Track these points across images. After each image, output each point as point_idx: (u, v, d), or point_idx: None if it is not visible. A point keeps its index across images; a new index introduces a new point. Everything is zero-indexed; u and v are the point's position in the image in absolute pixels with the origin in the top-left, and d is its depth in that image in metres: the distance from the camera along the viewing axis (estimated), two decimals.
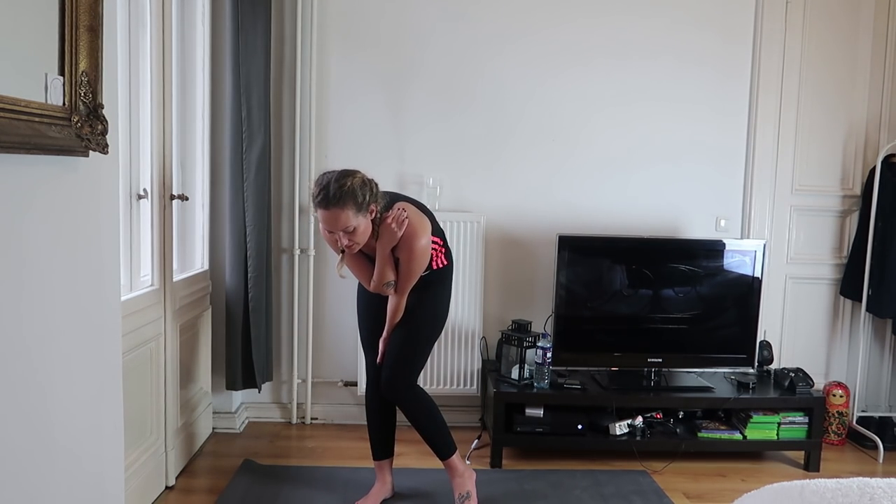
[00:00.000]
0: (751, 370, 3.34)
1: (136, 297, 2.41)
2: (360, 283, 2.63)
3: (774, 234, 3.58)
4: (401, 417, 2.63)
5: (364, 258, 2.52)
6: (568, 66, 3.44)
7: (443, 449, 2.59)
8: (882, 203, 3.35)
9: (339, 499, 2.67)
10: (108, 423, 1.83)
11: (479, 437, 3.26)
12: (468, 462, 3.07)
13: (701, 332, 3.27)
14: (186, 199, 2.86)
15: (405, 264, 2.41)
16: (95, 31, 1.56)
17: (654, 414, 3.22)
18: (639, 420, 3.14)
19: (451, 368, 3.39)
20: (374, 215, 2.35)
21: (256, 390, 3.31)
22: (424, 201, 2.87)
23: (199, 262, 3.16)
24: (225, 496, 2.64)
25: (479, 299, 3.38)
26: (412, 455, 3.04)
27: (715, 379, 3.33)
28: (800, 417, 3.14)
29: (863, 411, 3.56)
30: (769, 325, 3.52)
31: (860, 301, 3.46)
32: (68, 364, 1.62)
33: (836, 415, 3.44)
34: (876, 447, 3.29)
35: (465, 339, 3.39)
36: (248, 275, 3.12)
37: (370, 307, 2.63)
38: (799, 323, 3.64)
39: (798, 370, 3.24)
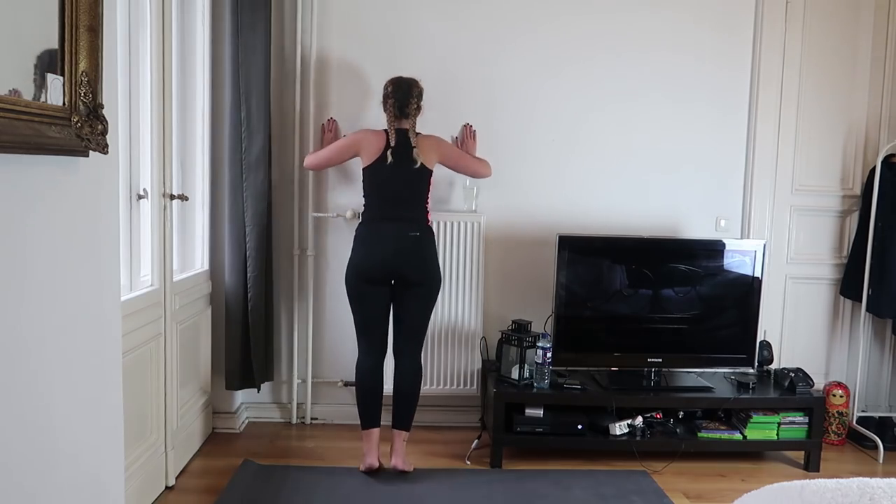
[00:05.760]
0: (751, 370, 3.34)
1: (136, 297, 2.41)
2: (349, 270, 2.86)
3: (774, 234, 3.58)
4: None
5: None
6: (567, 67, 3.44)
7: (410, 422, 2.94)
8: (882, 203, 3.35)
9: (339, 499, 2.67)
10: (108, 423, 1.83)
11: (479, 437, 3.26)
12: (468, 462, 3.07)
13: (701, 332, 3.27)
14: (186, 199, 2.86)
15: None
16: (95, 31, 1.56)
17: (654, 414, 3.22)
18: (639, 420, 3.14)
19: (451, 368, 3.39)
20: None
21: (256, 390, 3.32)
22: (427, 201, 2.92)
23: (199, 262, 3.16)
24: (225, 496, 2.64)
25: (480, 299, 3.38)
26: (412, 455, 3.04)
27: (715, 379, 3.33)
28: (800, 417, 3.14)
29: (863, 411, 3.56)
30: (769, 325, 3.52)
31: (860, 301, 3.46)
32: (68, 364, 1.62)
33: (836, 415, 3.44)
34: (876, 447, 3.29)
35: (465, 339, 3.39)
36: (248, 275, 3.13)
37: (365, 297, 2.87)
38: (799, 323, 3.64)
39: (798, 370, 3.24)
